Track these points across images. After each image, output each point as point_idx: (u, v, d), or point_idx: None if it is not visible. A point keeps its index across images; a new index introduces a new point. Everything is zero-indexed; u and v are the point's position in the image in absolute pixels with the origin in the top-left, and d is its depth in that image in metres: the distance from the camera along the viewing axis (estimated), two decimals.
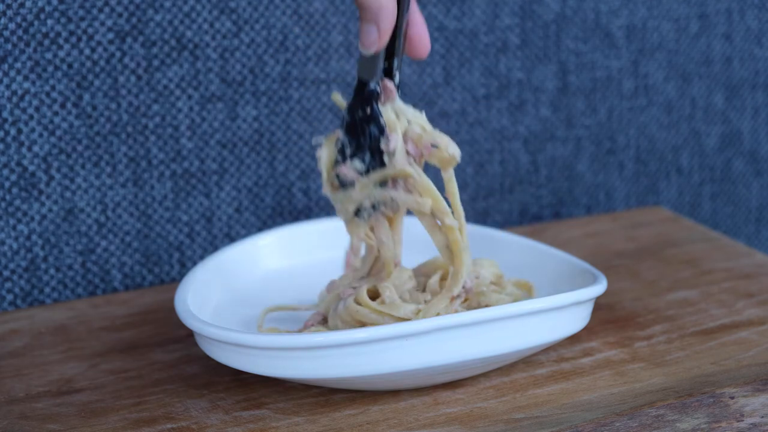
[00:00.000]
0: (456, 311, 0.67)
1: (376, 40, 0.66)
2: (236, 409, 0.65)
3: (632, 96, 1.01)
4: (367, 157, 0.67)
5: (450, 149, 0.67)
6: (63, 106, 0.82)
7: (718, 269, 0.83)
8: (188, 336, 0.74)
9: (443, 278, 0.71)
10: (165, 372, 0.70)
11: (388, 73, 0.68)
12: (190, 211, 0.88)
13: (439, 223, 0.68)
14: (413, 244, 0.78)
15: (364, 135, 0.67)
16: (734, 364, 0.68)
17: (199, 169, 0.87)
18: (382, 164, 0.67)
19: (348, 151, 0.68)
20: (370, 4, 0.65)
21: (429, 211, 0.67)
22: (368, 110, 0.67)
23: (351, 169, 0.68)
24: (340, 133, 0.68)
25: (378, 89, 0.67)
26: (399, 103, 0.68)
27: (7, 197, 0.82)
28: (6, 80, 0.81)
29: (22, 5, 0.80)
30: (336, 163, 0.68)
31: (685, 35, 1.01)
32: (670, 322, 0.74)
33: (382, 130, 0.67)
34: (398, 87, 0.69)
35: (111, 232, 0.86)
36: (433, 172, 0.70)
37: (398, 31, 0.68)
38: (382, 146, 0.67)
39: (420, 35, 0.69)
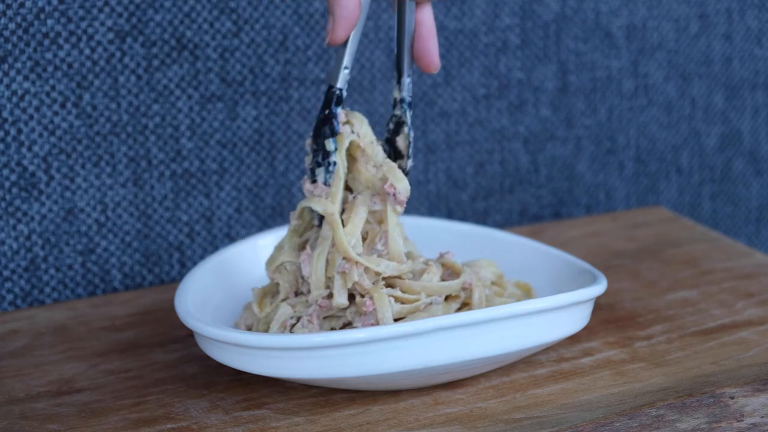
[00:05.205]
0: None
1: (330, 29, 0.66)
2: (236, 409, 0.65)
3: (632, 96, 1.01)
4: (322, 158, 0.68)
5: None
6: (63, 106, 0.82)
7: (718, 269, 0.83)
8: (188, 336, 0.74)
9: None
10: (165, 372, 0.70)
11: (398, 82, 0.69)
12: (190, 211, 0.88)
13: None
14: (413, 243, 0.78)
15: (320, 136, 0.68)
16: (734, 364, 0.68)
17: (199, 169, 0.87)
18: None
19: (317, 157, 0.68)
20: None
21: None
22: (326, 111, 0.67)
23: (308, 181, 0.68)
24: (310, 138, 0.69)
25: (339, 92, 0.67)
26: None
27: (7, 197, 0.82)
28: (6, 80, 0.81)
29: (22, 5, 0.80)
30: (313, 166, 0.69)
31: (685, 35, 1.01)
32: (670, 322, 0.74)
33: (333, 132, 0.67)
34: (409, 104, 0.69)
35: (111, 232, 0.86)
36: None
37: (400, 46, 0.68)
38: (327, 147, 0.67)
39: (425, 49, 0.68)
